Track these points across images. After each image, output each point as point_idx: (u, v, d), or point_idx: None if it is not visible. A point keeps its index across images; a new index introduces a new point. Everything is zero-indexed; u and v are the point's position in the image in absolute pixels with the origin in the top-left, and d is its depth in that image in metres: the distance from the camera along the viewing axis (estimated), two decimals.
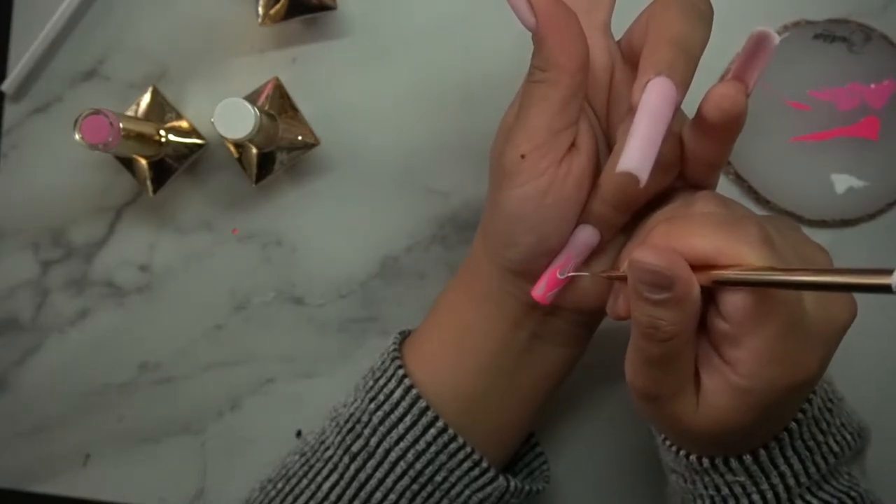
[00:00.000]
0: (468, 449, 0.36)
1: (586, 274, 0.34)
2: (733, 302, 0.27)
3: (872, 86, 0.42)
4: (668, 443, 0.33)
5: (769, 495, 0.31)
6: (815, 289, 0.25)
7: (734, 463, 0.31)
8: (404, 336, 0.39)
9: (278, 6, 0.44)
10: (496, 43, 0.45)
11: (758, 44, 0.28)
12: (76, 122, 0.39)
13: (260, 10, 0.44)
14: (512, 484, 0.37)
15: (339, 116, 0.46)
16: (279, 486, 0.38)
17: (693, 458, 0.31)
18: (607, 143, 0.34)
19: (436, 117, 0.45)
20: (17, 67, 0.47)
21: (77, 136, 0.39)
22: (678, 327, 0.27)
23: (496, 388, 0.37)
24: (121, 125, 0.39)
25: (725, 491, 0.31)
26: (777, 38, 0.27)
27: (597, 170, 0.33)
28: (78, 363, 0.48)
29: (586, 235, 0.33)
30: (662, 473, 0.44)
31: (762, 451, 0.30)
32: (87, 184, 0.47)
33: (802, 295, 0.27)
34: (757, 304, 0.26)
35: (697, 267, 0.27)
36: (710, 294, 0.28)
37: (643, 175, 0.26)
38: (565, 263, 0.33)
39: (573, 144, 0.32)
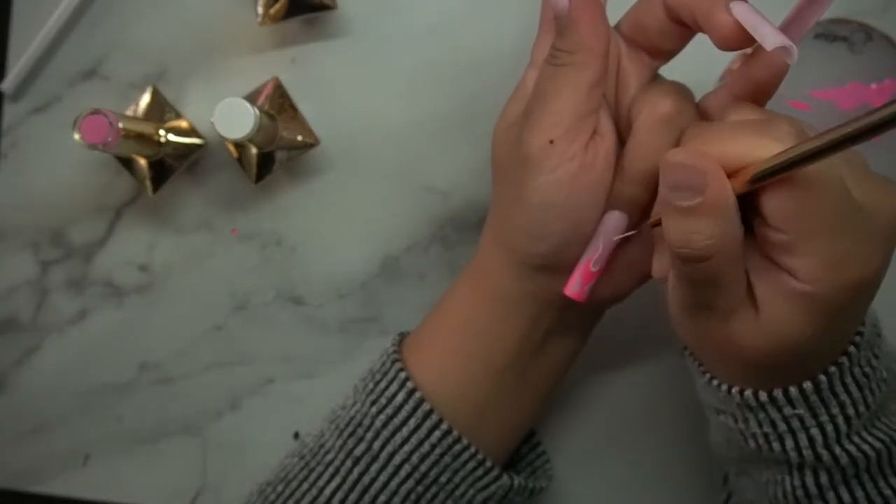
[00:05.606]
0: (473, 450, 0.36)
1: (625, 236, 0.33)
2: (778, 204, 0.26)
3: (873, 86, 0.42)
4: (715, 381, 0.31)
5: (829, 428, 0.29)
6: (841, 146, 0.23)
7: (794, 392, 0.29)
8: (402, 337, 0.39)
9: (278, 6, 0.44)
10: (496, 43, 0.45)
11: (811, 1, 0.28)
12: (76, 121, 0.39)
13: (259, 9, 0.44)
14: (515, 482, 0.37)
15: (339, 116, 0.45)
16: (279, 489, 0.38)
17: (748, 393, 0.29)
18: (617, 129, 0.34)
19: (435, 117, 0.45)
20: (17, 67, 0.47)
21: (76, 136, 0.39)
22: (715, 242, 0.26)
23: (506, 390, 0.37)
24: (120, 125, 0.39)
25: (783, 427, 0.29)
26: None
27: (618, 154, 0.33)
28: (78, 363, 0.48)
29: (614, 221, 0.33)
30: (664, 467, 0.44)
31: (822, 378, 0.28)
32: (86, 184, 0.47)
33: (849, 188, 0.26)
34: (803, 203, 0.25)
35: (732, 176, 0.26)
36: (756, 207, 0.27)
37: (793, 46, 0.26)
38: (597, 254, 0.33)
39: (595, 130, 0.32)
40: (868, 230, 0.26)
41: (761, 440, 0.30)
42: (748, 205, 0.27)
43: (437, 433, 0.35)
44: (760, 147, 0.26)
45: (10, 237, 0.48)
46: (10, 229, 0.48)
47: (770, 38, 0.26)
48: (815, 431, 0.29)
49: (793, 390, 0.29)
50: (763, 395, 0.29)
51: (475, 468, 0.36)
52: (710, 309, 0.28)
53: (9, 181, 0.48)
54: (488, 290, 0.36)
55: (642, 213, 0.33)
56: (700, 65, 0.32)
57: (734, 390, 0.30)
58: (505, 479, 0.37)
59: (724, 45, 0.29)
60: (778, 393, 0.29)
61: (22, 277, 0.48)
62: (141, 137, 0.42)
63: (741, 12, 0.28)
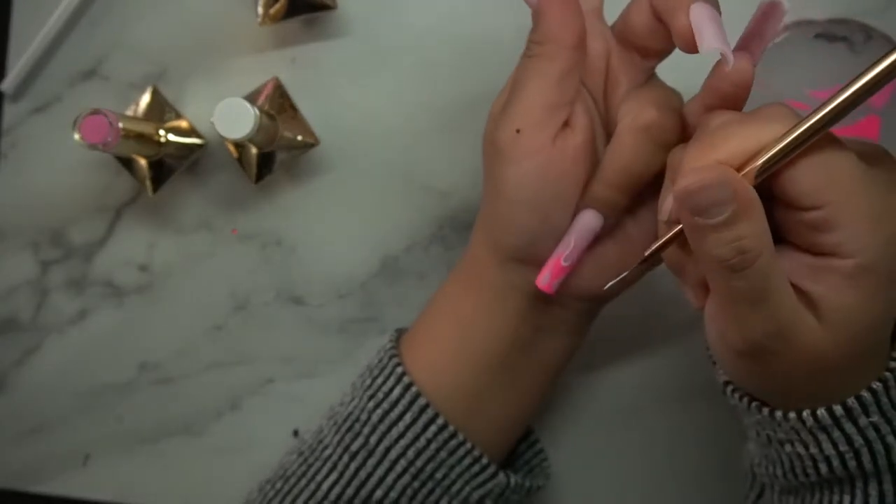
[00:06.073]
0: (468, 445, 0.36)
1: (624, 274, 0.32)
2: (804, 182, 0.25)
3: None
4: (778, 413, 0.29)
5: None
6: (848, 107, 0.24)
7: (867, 396, 0.28)
8: (400, 334, 0.39)
9: (278, 6, 0.44)
10: (495, 42, 0.45)
11: (766, 14, 0.28)
12: (75, 121, 0.39)
13: (259, 9, 0.44)
14: (512, 480, 0.38)
15: (339, 116, 0.45)
16: (278, 486, 0.38)
17: (821, 411, 0.28)
18: (605, 128, 0.34)
19: (435, 117, 0.45)
20: (17, 67, 0.47)
21: (76, 136, 0.39)
22: (760, 239, 0.25)
23: (499, 385, 0.37)
24: (120, 125, 0.39)
25: (859, 441, 0.28)
26: (786, 6, 0.28)
27: (593, 152, 0.33)
28: (78, 363, 0.48)
29: (589, 220, 0.33)
30: (663, 466, 0.44)
31: (889, 375, 0.28)
32: (86, 184, 0.47)
33: (852, 149, 0.26)
34: (826, 172, 0.25)
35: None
36: (775, 201, 0.27)
37: (729, 52, 0.26)
38: (569, 250, 0.33)
39: (567, 123, 0.32)
40: (891, 182, 0.26)
41: (836, 462, 0.29)
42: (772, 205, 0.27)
43: (433, 428, 0.35)
44: (761, 133, 0.26)
45: (10, 237, 0.48)
46: (10, 229, 0.48)
47: (706, 41, 0.27)
48: (891, 439, 0.28)
49: (866, 395, 0.28)
50: (838, 409, 0.28)
51: (471, 464, 0.36)
52: (774, 333, 0.27)
53: (9, 181, 0.48)
54: (479, 286, 0.36)
55: (617, 215, 0.33)
56: (700, 67, 0.32)
57: (805, 413, 0.29)
58: (501, 476, 0.37)
59: (681, 47, 0.29)
60: (852, 402, 0.28)
61: (22, 277, 0.48)
62: (141, 137, 0.42)
63: (694, 14, 0.28)
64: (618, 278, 0.32)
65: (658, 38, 0.32)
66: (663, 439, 0.44)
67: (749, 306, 0.27)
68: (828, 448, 0.29)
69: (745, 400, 0.31)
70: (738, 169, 0.26)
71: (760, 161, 0.26)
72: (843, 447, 0.29)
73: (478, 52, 0.45)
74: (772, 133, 0.26)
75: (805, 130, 0.25)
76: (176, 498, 0.47)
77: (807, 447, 0.29)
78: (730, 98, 0.29)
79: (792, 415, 0.29)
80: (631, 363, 0.45)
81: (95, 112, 0.39)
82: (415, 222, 0.46)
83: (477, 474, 0.37)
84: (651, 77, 0.34)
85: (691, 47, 0.29)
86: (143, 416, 0.47)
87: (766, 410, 0.30)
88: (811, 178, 0.25)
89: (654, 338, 0.44)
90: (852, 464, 0.29)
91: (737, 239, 0.25)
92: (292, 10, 0.44)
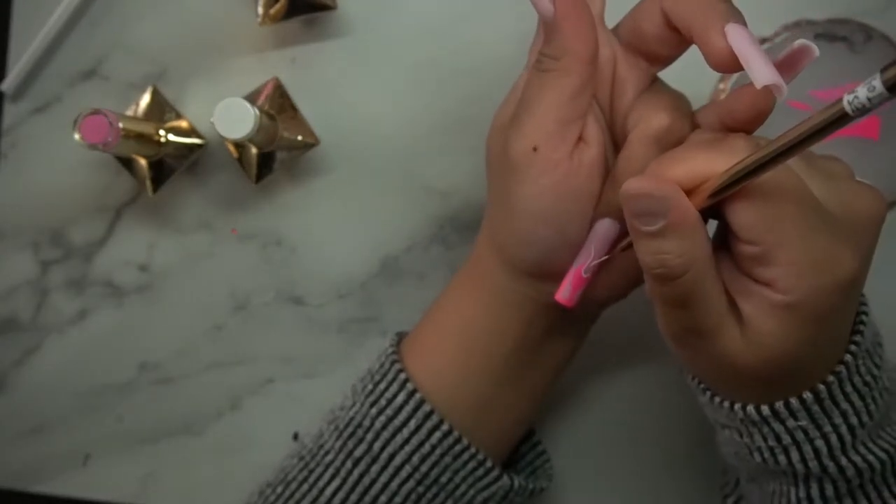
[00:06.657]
0: (473, 450, 0.36)
1: (605, 258, 0.33)
2: (744, 217, 0.26)
3: None
4: (717, 399, 0.31)
5: (833, 438, 0.29)
6: (793, 151, 0.24)
7: (795, 404, 0.29)
8: (401, 338, 0.39)
9: (278, 6, 0.44)
10: (496, 42, 0.45)
11: (796, 55, 0.28)
12: (76, 121, 0.39)
13: (259, 9, 0.44)
14: (516, 482, 0.38)
15: (339, 116, 0.45)
16: (278, 490, 0.38)
17: (751, 408, 0.29)
18: (611, 135, 0.34)
19: (436, 117, 0.45)
20: (17, 67, 0.47)
21: (76, 136, 0.39)
22: (686, 259, 0.26)
23: (501, 387, 0.37)
24: (120, 125, 0.39)
25: (787, 440, 0.29)
26: (817, 53, 0.28)
27: (606, 162, 0.33)
28: (78, 363, 0.48)
29: (605, 229, 0.33)
30: (664, 467, 0.44)
31: (822, 388, 0.28)
32: (87, 184, 0.47)
33: (814, 193, 0.27)
34: (767, 212, 0.26)
35: (693, 192, 0.27)
36: (727, 223, 0.27)
37: (784, 86, 0.26)
38: (588, 261, 0.33)
39: (581, 137, 0.32)
40: (838, 232, 0.27)
41: (767, 454, 0.30)
42: (725, 223, 0.28)
43: (438, 434, 0.35)
44: (716, 161, 0.26)
45: (10, 237, 0.48)
46: (10, 229, 0.48)
47: (760, 74, 0.26)
48: (819, 443, 0.29)
49: (793, 402, 0.29)
50: (765, 409, 0.29)
51: (476, 468, 0.36)
52: (696, 332, 0.28)
53: (9, 181, 0.48)
54: (485, 291, 0.36)
55: None
56: (700, 69, 0.31)
57: (737, 406, 0.30)
58: (505, 479, 0.37)
59: (717, 68, 0.29)
60: (779, 405, 0.29)
61: (22, 277, 0.48)
62: (141, 137, 0.42)
63: (735, 39, 0.28)
64: (598, 260, 0.33)
65: (668, 46, 0.32)
66: (666, 440, 0.44)
67: (671, 307, 0.28)
68: (758, 440, 0.30)
69: (696, 382, 0.32)
70: (695, 189, 0.27)
71: (712, 185, 0.26)
72: (771, 442, 0.30)
73: (478, 52, 0.45)
74: (725, 162, 0.26)
75: (743, 168, 0.25)
76: (176, 498, 0.47)
77: (741, 435, 0.31)
78: (745, 124, 0.29)
79: (726, 404, 0.30)
80: (633, 364, 0.45)
81: (95, 112, 0.39)
82: (415, 222, 0.46)
83: (481, 477, 0.37)
84: (655, 81, 0.34)
85: (728, 69, 0.28)
86: (143, 416, 0.47)
87: (708, 394, 0.31)
88: (751, 216, 0.26)
89: (657, 338, 0.44)
90: (782, 459, 0.30)
91: (661, 252, 0.27)
92: (292, 10, 0.44)
